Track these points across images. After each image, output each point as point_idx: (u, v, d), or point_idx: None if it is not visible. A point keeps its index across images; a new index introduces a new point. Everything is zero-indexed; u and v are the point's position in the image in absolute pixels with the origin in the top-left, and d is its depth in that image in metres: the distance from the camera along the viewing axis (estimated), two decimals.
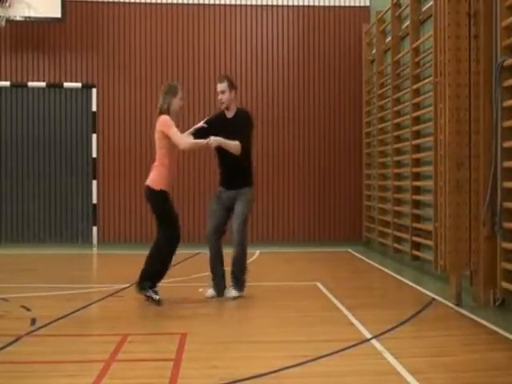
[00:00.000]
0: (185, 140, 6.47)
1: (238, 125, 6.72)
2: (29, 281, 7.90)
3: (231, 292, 6.67)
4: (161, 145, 6.47)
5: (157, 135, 6.50)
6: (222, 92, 6.75)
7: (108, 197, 11.88)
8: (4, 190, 11.80)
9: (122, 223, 11.88)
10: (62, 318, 5.77)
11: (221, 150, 6.71)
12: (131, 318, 5.90)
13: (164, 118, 6.45)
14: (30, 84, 11.72)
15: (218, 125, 6.75)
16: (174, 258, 6.63)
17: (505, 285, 5.93)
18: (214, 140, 6.51)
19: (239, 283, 6.72)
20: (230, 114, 6.84)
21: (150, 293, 6.35)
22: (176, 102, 6.56)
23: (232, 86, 6.75)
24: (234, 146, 6.63)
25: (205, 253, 10.51)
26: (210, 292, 6.76)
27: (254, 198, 7.07)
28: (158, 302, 6.31)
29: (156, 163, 6.51)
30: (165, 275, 6.60)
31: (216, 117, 6.99)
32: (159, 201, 6.42)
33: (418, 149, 8.82)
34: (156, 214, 6.53)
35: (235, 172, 6.80)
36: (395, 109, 9.77)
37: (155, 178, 6.42)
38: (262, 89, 12.06)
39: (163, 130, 6.40)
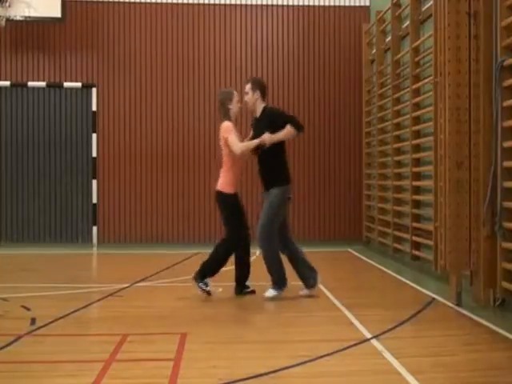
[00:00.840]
0: (238, 145, 6.67)
1: (264, 121, 6.78)
2: (29, 281, 7.90)
3: (266, 292, 6.71)
4: (225, 151, 6.79)
5: (221, 141, 6.81)
6: (246, 93, 6.86)
7: (108, 197, 11.88)
8: (4, 189, 11.80)
9: (122, 223, 11.88)
10: (61, 317, 5.77)
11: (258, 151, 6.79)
12: (131, 318, 5.89)
13: (226, 124, 6.75)
14: (30, 84, 11.72)
15: (253, 127, 6.97)
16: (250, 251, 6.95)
17: (505, 285, 5.93)
18: (267, 137, 6.62)
19: (273, 283, 6.73)
20: (257, 114, 6.90)
21: (201, 285, 6.71)
22: (234, 106, 6.83)
23: (255, 86, 6.79)
24: (284, 134, 6.68)
25: (204, 253, 10.53)
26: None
27: (285, 198, 6.79)
28: (208, 293, 6.71)
29: (223, 168, 6.86)
30: (217, 271, 6.85)
31: (252, 120, 7.14)
32: (227, 204, 6.83)
33: (417, 149, 8.82)
34: (224, 216, 6.91)
35: (263, 172, 6.86)
36: (395, 108, 9.77)
37: (223, 183, 6.83)
38: None
39: (224, 135, 6.72)
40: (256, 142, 6.67)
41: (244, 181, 11.70)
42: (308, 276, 6.85)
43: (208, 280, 6.79)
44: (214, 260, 6.84)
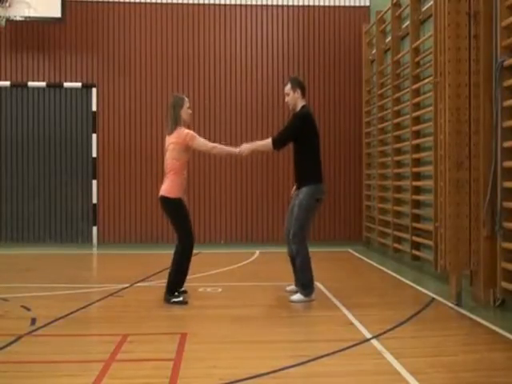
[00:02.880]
0: (212, 146, 6.72)
1: (289, 122, 6.82)
2: (29, 281, 7.90)
3: (294, 296, 6.63)
4: (178, 156, 6.59)
5: (173, 146, 6.60)
6: (287, 94, 6.85)
7: (108, 197, 11.88)
8: (4, 189, 11.80)
9: (122, 223, 11.88)
10: (61, 317, 5.77)
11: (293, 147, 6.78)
12: (131, 318, 5.89)
13: (188, 131, 6.60)
14: (30, 84, 11.72)
15: None
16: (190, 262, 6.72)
17: (505, 285, 5.93)
18: (244, 147, 6.73)
19: (301, 289, 6.64)
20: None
21: (174, 301, 6.48)
22: (185, 112, 6.67)
23: (295, 85, 6.77)
24: (262, 146, 6.86)
25: (204, 253, 10.54)
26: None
27: (315, 198, 6.67)
28: (185, 303, 6.47)
29: (169, 173, 6.64)
30: (184, 281, 6.69)
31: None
32: (174, 209, 6.60)
33: (417, 149, 8.82)
34: (173, 222, 6.70)
35: (295, 169, 6.82)
36: (395, 109, 9.77)
37: (168, 188, 6.59)
38: (262, 88, 12.07)
39: (188, 143, 6.56)
40: (232, 150, 6.83)
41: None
42: None
43: (179, 290, 6.63)
44: (178, 272, 6.60)
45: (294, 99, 6.77)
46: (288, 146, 6.84)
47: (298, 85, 6.81)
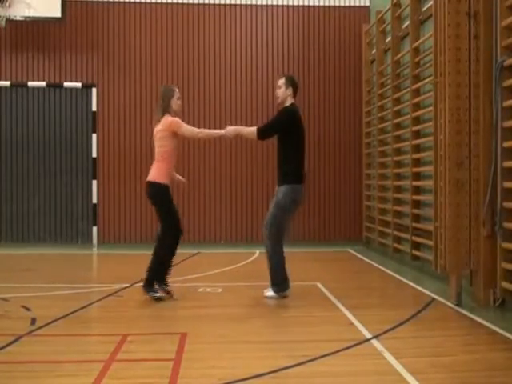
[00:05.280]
0: (195, 130, 6.81)
1: (275, 116, 6.88)
2: (29, 281, 7.90)
3: (266, 291, 6.76)
4: (165, 143, 6.64)
5: (161, 134, 6.65)
6: (279, 87, 6.89)
7: (108, 197, 11.88)
8: (4, 189, 11.80)
9: (122, 223, 11.88)
10: (61, 317, 5.77)
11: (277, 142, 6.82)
12: (131, 318, 5.89)
13: (172, 118, 6.66)
14: (30, 84, 11.72)
15: None
16: (176, 252, 6.74)
17: (505, 285, 5.93)
18: (229, 129, 6.79)
19: (272, 284, 6.73)
20: None
21: (151, 294, 6.53)
22: (175, 103, 6.73)
23: (288, 83, 6.83)
24: (247, 132, 6.91)
25: (204, 253, 10.54)
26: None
27: (293, 199, 6.65)
28: (160, 299, 6.49)
29: (157, 160, 6.68)
30: (165, 273, 6.67)
31: None
32: (160, 194, 6.61)
33: (417, 149, 8.82)
34: (156, 208, 6.70)
35: (277, 167, 6.86)
36: (395, 109, 9.77)
37: (155, 174, 6.61)
38: (262, 88, 12.06)
39: (174, 129, 6.61)
40: (219, 132, 6.92)
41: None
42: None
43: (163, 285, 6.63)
44: (160, 264, 6.58)
45: (284, 95, 6.83)
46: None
47: (292, 83, 6.87)
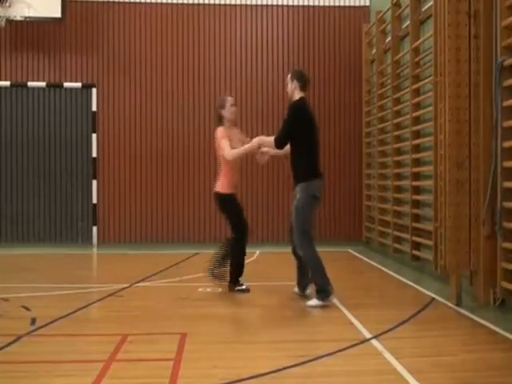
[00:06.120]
0: (228, 151, 6.94)
1: (285, 117, 6.76)
2: (29, 281, 7.90)
3: (310, 301, 6.45)
4: (219, 154, 7.15)
5: (216, 146, 7.19)
6: (286, 83, 6.89)
7: (108, 197, 11.88)
8: (4, 189, 11.80)
9: (122, 223, 11.88)
10: (61, 317, 5.77)
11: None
12: (131, 318, 5.89)
13: (219, 129, 7.12)
14: (30, 84, 11.72)
15: None
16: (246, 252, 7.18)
17: (505, 285, 5.93)
18: (256, 140, 6.92)
19: (316, 291, 6.45)
20: None
21: (238, 289, 7.08)
22: (228, 111, 7.14)
23: (293, 77, 6.77)
24: (268, 142, 6.89)
25: (204, 253, 10.53)
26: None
27: (311, 194, 6.49)
28: (248, 290, 7.06)
29: (220, 171, 7.19)
30: (242, 270, 7.15)
31: None
32: (224, 203, 7.14)
33: (417, 149, 8.82)
34: (226, 217, 7.23)
35: (291, 165, 6.76)
36: (395, 109, 9.77)
37: (219, 185, 7.17)
38: (262, 88, 12.07)
39: (218, 141, 7.08)
40: (246, 148, 6.96)
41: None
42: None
43: (240, 279, 7.16)
44: (237, 264, 7.10)
45: (290, 90, 6.77)
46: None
47: (296, 76, 6.78)
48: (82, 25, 11.82)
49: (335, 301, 6.53)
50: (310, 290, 6.70)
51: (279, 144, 6.68)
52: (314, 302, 6.37)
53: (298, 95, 6.73)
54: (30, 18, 11.02)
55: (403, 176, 9.68)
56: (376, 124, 10.95)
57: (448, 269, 6.36)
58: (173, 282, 7.72)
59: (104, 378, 4.10)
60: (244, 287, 7.09)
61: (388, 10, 10.23)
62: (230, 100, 7.17)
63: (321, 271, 6.45)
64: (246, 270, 7.21)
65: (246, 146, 6.97)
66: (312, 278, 6.54)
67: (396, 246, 9.72)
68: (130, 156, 11.89)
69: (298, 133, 6.55)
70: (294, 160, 6.69)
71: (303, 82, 6.76)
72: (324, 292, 6.37)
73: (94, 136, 11.83)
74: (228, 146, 6.93)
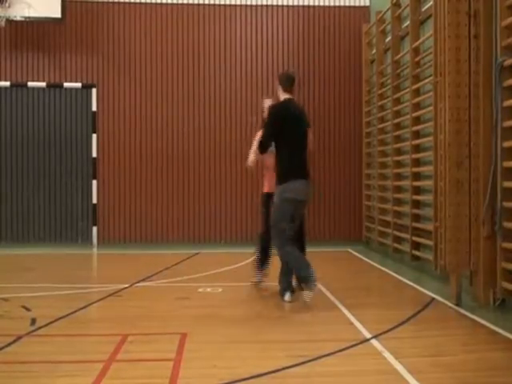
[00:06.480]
0: (251, 157, 7.19)
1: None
2: (29, 281, 7.90)
3: (304, 296, 6.41)
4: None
5: None
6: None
7: (108, 197, 11.88)
8: (4, 189, 11.80)
9: (122, 223, 11.88)
10: (61, 317, 5.77)
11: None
12: (131, 318, 5.89)
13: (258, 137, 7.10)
14: (30, 84, 11.72)
15: None
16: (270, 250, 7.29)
17: (505, 285, 5.93)
18: (251, 161, 7.18)
19: (301, 282, 6.52)
20: None
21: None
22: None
23: (277, 80, 6.85)
24: (254, 151, 7.03)
25: (204, 253, 10.54)
26: None
27: (284, 198, 6.45)
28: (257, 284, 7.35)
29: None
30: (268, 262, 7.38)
31: None
32: (262, 202, 7.38)
33: (417, 149, 8.82)
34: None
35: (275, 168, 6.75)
36: (395, 109, 9.77)
37: (263, 184, 7.40)
38: (262, 88, 12.06)
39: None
40: (252, 150, 7.13)
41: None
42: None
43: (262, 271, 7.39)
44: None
45: (278, 93, 6.80)
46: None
47: (279, 79, 6.84)
48: (82, 25, 11.82)
49: (335, 301, 6.54)
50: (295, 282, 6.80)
51: (260, 148, 6.68)
52: (308, 294, 6.34)
53: (282, 97, 6.76)
54: (29, 18, 11.01)
55: (403, 176, 9.68)
56: (376, 124, 10.95)
57: (448, 269, 6.36)
58: (173, 282, 7.72)
59: (104, 378, 4.10)
60: (257, 280, 7.33)
61: (388, 10, 10.23)
62: (267, 102, 7.13)
63: (299, 263, 6.43)
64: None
65: (251, 157, 7.19)
66: (294, 273, 6.64)
67: (396, 245, 9.72)
68: (129, 156, 11.89)
69: (277, 135, 6.54)
70: (275, 163, 6.68)
71: (284, 83, 6.76)
72: (310, 280, 6.30)
73: (94, 136, 11.83)
74: (253, 151, 7.15)
